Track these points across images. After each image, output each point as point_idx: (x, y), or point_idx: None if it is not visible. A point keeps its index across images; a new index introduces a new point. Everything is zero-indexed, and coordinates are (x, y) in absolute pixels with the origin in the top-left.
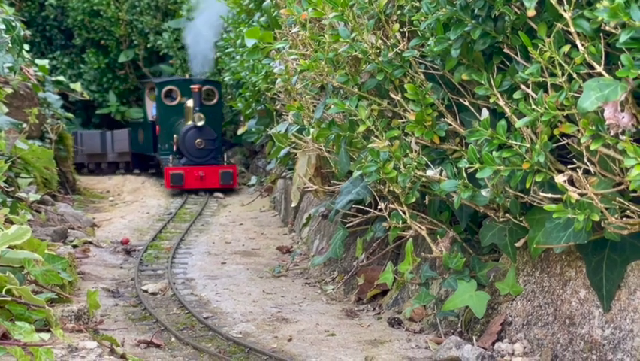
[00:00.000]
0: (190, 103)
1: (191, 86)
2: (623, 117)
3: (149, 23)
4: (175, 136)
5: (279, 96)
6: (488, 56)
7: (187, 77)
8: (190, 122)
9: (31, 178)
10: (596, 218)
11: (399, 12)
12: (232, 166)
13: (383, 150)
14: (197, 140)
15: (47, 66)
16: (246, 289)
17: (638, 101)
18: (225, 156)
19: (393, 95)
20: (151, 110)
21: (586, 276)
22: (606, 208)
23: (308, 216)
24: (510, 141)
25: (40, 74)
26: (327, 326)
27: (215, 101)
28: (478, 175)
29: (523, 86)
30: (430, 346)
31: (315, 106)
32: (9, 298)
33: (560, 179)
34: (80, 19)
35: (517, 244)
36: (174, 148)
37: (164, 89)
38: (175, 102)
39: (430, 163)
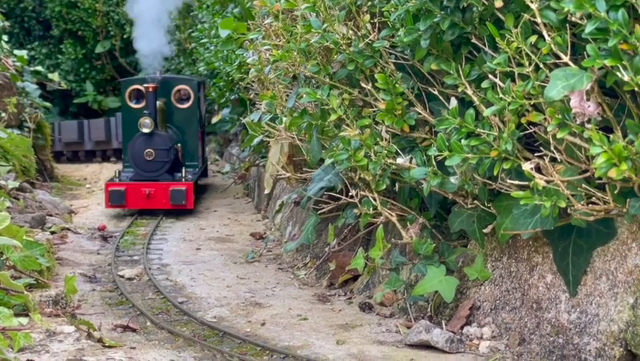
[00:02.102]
0: (160, 105)
1: (145, 85)
2: (589, 106)
3: (126, 14)
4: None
5: (252, 86)
6: (457, 47)
7: (158, 74)
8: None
9: (10, 166)
10: (563, 205)
11: (369, 3)
12: (187, 183)
13: (354, 138)
14: (147, 150)
15: (26, 56)
16: (220, 274)
17: (604, 90)
18: (184, 172)
19: (364, 85)
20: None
21: (553, 261)
22: (572, 195)
23: (281, 203)
24: (478, 130)
25: (18, 64)
26: (300, 310)
27: (189, 103)
28: (447, 163)
29: (491, 76)
30: (400, 330)
31: (287, 95)
32: None
33: (527, 166)
34: (57, 10)
35: (485, 230)
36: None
37: (129, 89)
38: (141, 104)
39: (400, 151)
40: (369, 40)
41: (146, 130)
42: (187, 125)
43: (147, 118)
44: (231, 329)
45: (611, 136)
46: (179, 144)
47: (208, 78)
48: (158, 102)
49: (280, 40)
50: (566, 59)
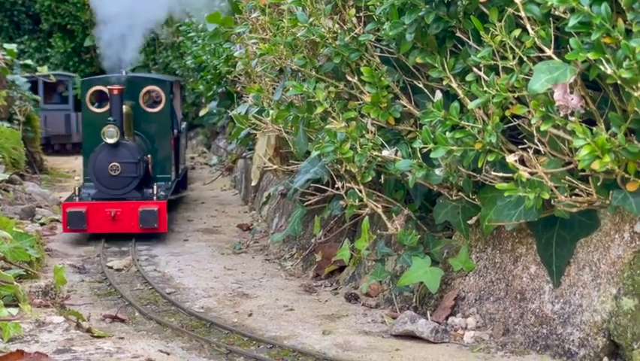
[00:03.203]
0: (126, 110)
1: (109, 87)
2: (572, 99)
3: None
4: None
5: (239, 79)
6: (441, 40)
7: (124, 73)
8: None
9: (0, 158)
10: (546, 196)
11: None
12: (159, 202)
13: (340, 130)
14: (112, 163)
15: (15, 50)
16: (208, 265)
17: (587, 83)
18: (156, 188)
19: (349, 78)
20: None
21: (536, 252)
22: (556, 187)
23: (267, 194)
24: (463, 122)
25: (8, 57)
26: (286, 301)
27: (160, 107)
28: (432, 155)
29: (475, 69)
30: (385, 320)
31: (274, 88)
32: None
33: (511, 159)
34: (47, 4)
35: (469, 222)
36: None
37: (90, 91)
38: (105, 108)
39: (385, 143)
40: (355, 33)
41: (110, 140)
42: (158, 133)
43: (112, 126)
44: (219, 320)
45: (594, 129)
46: (149, 155)
47: (195, 72)
48: (124, 106)
49: (267, 34)
50: (549, 52)
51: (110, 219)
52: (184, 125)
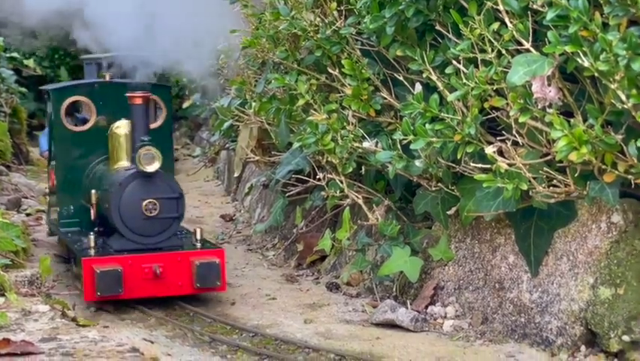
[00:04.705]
0: (123, 127)
1: (128, 95)
2: (550, 91)
3: None
4: (93, 193)
5: (222, 71)
6: (421, 33)
7: (107, 78)
8: (126, 165)
9: None
10: (525, 187)
11: None
12: (217, 250)
13: (321, 122)
14: (146, 201)
15: (2, 43)
16: None
17: (564, 75)
18: (199, 231)
19: (331, 71)
20: (43, 138)
21: (515, 242)
22: (534, 178)
23: (250, 185)
24: (442, 114)
25: None
26: (269, 290)
27: (161, 121)
28: (412, 146)
29: (454, 62)
30: (366, 309)
31: (256, 81)
32: None
33: (489, 150)
34: None
35: (449, 212)
36: (92, 217)
37: (66, 103)
38: (87, 126)
39: (366, 135)
40: (336, 27)
41: (150, 168)
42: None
43: (151, 149)
44: (202, 309)
45: (572, 120)
46: None
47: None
48: (126, 121)
49: (249, 27)
50: (527, 45)
51: (152, 279)
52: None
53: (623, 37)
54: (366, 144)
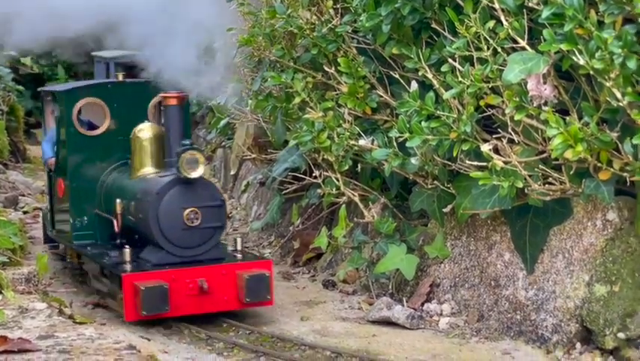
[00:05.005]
0: (146, 131)
1: (163, 95)
2: (545, 89)
3: None
4: (118, 202)
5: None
6: (417, 31)
7: (120, 78)
8: (150, 171)
9: None
10: (520, 185)
11: None
12: (264, 261)
13: (317, 120)
14: (188, 210)
15: None
16: None
17: (560, 73)
18: (239, 242)
19: (327, 69)
20: (46, 145)
21: (510, 240)
22: (529, 175)
23: (246, 183)
24: (438, 112)
25: None
26: None
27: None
28: (408, 144)
29: (450, 60)
30: (362, 306)
31: (252, 79)
32: None
33: (485, 148)
34: None
35: (445, 210)
36: (116, 228)
37: (78, 105)
38: (100, 130)
39: (362, 133)
40: (332, 25)
41: (195, 174)
42: None
43: (195, 153)
44: None
45: (567, 118)
46: None
47: None
48: (153, 125)
49: (246, 25)
50: (523, 43)
51: (197, 294)
52: None
53: (619, 35)
54: (362, 142)
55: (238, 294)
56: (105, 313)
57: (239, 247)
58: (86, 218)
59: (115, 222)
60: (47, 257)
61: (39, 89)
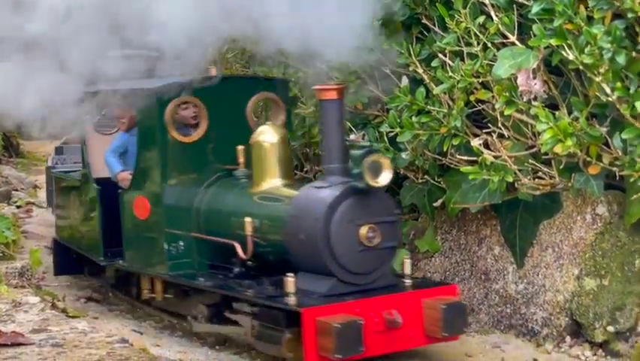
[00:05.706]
0: (269, 134)
1: (318, 88)
2: (535, 84)
3: None
4: (248, 221)
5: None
6: (408, 27)
7: (213, 72)
8: (278, 183)
9: None
10: (510, 179)
11: None
12: (450, 287)
13: (309, 115)
14: (365, 227)
15: None
16: None
17: (549, 68)
18: (408, 264)
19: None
20: (112, 156)
21: (500, 234)
22: (519, 170)
23: None
24: (429, 107)
25: None
26: None
27: (281, 123)
28: (399, 139)
29: (440, 55)
30: None
31: None
32: None
33: (475, 142)
34: None
35: (435, 204)
36: (248, 253)
37: (171, 106)
38: (197, 135)
39: (353, 128)
40: None
41: (383, 182)
42: None
43: (380, 157)
44: None
45: (557, 113)
46: None
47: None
48: (276, 127)
49: None
50: (513, 38)
51: (387, 329)
52: None
53: (608, 30)
54: (353, 137)
55: (426, 327)
56: (98, 307)
57: (407, 271)
58: (182, 243)
59: (237, 246)
60: (40, 251)
61: (89, 89)
